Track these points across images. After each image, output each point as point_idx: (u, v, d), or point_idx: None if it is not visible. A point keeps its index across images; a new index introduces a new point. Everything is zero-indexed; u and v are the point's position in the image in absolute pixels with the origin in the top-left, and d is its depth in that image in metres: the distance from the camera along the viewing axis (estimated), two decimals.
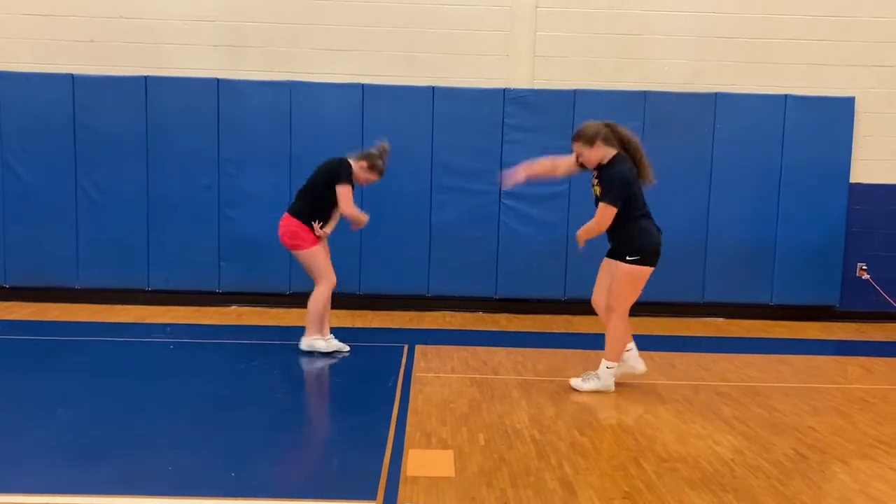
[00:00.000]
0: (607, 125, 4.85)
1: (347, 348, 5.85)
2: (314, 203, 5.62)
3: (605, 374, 4.96)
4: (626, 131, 4.87)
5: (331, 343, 5.78)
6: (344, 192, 5.51)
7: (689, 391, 5.06)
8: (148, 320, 6.95)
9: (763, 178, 7.73)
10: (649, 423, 4.38)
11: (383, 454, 3.75)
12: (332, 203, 5.60)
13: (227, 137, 7.58)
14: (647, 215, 4.85)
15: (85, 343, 6.13)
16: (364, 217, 5.62)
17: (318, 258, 5.63)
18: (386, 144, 5.71)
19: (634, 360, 5.10)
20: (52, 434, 3.92)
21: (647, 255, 4.79)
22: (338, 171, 5.55)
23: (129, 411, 4.36)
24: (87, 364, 5.43)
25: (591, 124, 4.86)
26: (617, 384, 5.04)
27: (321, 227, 5.61)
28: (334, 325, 6.05)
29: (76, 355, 5.67)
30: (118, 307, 7.48)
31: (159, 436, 3.97)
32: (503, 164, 7.61)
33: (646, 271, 4.82)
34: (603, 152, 4.81)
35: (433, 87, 7.61)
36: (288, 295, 7.65)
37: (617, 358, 4.97)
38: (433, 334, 6.80)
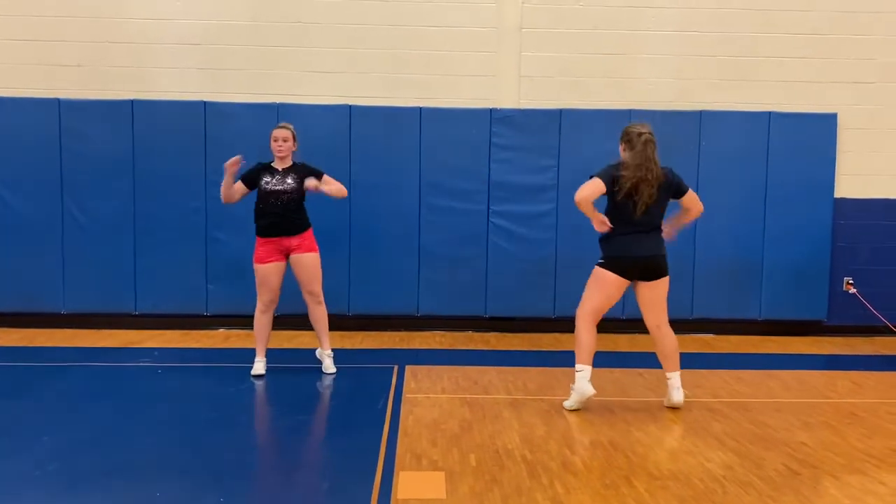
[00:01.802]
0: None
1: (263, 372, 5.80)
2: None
3: (576, 378, 4.90)
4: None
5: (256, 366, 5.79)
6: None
7: (680, 407, 5.06)
8: (135, 345, 6.89)
9: (749, 195, 7.79)
10: (640, 441, 4.38)
11: (373, 477, 3.72)
12: (258, 202, 5.67)
13: (214, 160, 7.53)
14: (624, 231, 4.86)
15: (71, 368, 6.06)
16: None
17: (257, 275, 5.75)
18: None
19: (672, 390, 5.04)
20: (39, 461, 3.87)
21: (609, 260, 4.90)
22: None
23: (116, 437, 4.32)
24: (73, 390, 5.39)
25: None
26: (609, 402, 5.03)
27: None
28: None
29: (62, 381, 5.61)
30: (105, 332, 7.42)
31: (147, 461, 3.93)
32: (491, 183, 7.70)
33: (606, 274, 4.88)
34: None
35: (420, 108, 7.64)
36: (275, 317, 7.58)
37: (585, 361, 4.88)
38: (423, 354, 6.79)
